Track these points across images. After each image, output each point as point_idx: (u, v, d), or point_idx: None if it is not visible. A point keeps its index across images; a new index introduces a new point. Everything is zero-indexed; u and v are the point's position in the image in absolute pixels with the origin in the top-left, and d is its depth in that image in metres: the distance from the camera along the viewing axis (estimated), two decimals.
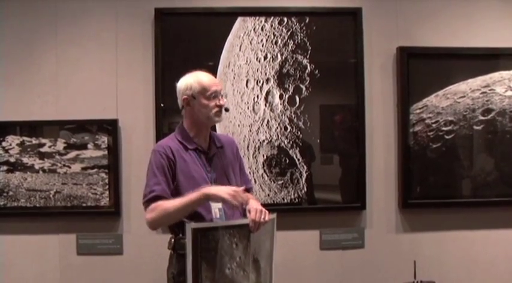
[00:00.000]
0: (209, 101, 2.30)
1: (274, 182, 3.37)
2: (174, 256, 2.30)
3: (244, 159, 3.34)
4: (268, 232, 2.26)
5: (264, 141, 3.37)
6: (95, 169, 3.32)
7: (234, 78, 3.36)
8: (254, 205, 2.21)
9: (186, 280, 2.07)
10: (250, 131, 3.37)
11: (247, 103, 3.37)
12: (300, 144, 3.37)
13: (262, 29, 3.38)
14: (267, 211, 2.19)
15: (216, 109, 2.31)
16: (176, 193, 2.23)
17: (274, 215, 2.26)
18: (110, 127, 3.31)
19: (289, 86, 3.37)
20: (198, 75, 2.35)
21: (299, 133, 3.37)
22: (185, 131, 2.36)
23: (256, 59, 3.37)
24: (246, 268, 2.17)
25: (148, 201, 2.22)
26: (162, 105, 3.29)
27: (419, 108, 3.45)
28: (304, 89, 3.38)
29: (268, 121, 3.37)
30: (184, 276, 2.09)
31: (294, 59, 3.38)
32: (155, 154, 2.29)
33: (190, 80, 2.33)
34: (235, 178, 2.39)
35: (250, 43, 3.37)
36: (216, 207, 2.25)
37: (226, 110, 2.35)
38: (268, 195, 3.35)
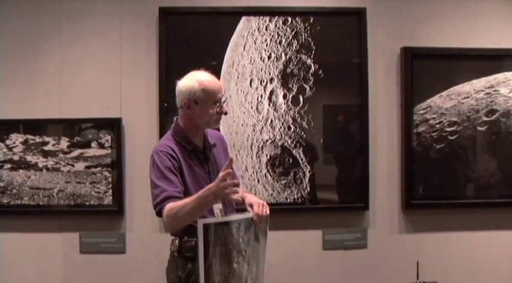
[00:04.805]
0: (212, 109, 2.24)
1: (277, 182, 3.37)
2: (180, 259, 2.24)
3: (248, 159, 3.35)
4: (263, 227, 2.30)
5: (267, 140, 3.37)
6: (99, 168, 3.32)
7: (238, 77, 3.36)
8: (255, 199, 2.27)
9: (197, 278, 2.06)
10: (254, 130, 3.37)
11: (251, 102, 3.37)
12: (304, 144, 3.37)
13: (266, 29, 3.38)
14: (267, 205, 2.26)
15: (217, 116, 2.27)
16: (185, 195, 2.17)
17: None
18: (113, 126, 3.32)
19: (293, 85, 3.37)
20: (202, 80, 2.23)
21: (302, 133, 3.37)
22: (183, 131, 2.29)
23: (260, 58, 3.37)
24: (250, 261, 2.21)
25: (162, 201, 2.12)
26: (165, 104, 3.29)
27: (423, 109, 3.44)
28: (308, 88, 3.38)
29: (271, 121, 3.37)
30: (195, 277, 2.11)
31: (298, 58, 3.38)
32: (159, 155, 2.19)
33: (195, 85, 2.22)
34: None
35: (255, 42, 3.37)
36: (217, 208, 2.23)
37: (225, 113, 2.31)
38: (272, 194, 3.35)
